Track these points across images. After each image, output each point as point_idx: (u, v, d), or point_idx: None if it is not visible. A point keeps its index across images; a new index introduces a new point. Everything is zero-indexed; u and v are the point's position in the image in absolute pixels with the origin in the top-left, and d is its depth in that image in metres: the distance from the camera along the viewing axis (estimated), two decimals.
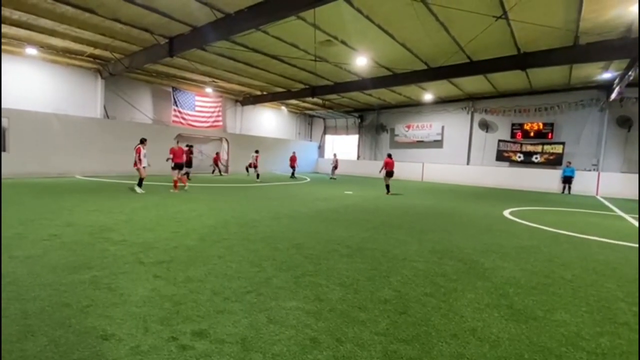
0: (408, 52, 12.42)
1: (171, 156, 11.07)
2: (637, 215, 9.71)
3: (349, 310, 2.93)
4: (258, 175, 16.61)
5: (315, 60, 13.34)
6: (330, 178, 21.01)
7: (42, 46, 13.22)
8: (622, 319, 3.03)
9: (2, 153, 12.76)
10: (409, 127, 23.65)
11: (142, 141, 10.29)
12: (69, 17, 10.40)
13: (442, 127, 22.23)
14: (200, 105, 20.71)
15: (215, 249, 4.58)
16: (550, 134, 18.08)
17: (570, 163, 17.03)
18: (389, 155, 13.63)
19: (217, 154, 20.26)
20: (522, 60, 12.00)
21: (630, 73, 10.86)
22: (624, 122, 16.13)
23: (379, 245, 5.23)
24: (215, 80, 18.22)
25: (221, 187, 13.31)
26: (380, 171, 13.78)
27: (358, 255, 4.61)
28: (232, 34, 10.37)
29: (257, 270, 3.82)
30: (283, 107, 26.22)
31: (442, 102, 21.63)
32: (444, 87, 18.07)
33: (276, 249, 4.72)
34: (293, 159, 20.24)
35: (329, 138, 29.64)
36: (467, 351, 2.38)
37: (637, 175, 14.66)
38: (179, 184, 11.10)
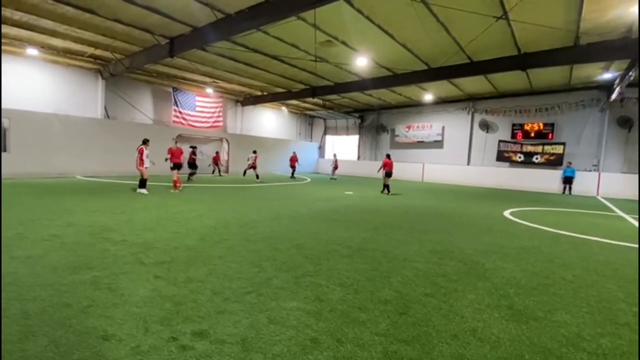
0: (408, 53, 12.42)
1: (169, 156, 11.07)
2: (638, 216, 9.70)
3: (349, 311, 2.93)
4: (258, 176, 16.61)
5: (315, 61, 13.35)
6: (331, 178, 21.02)
7: (43, 47, 13.25)
8: (623, 319, 3.03)
9: (4, 153, 12.78)
10: (409, 127, 23.64)
11: (145, 142, 10.29)
12: (69, 18, 10.41)
13: (443, 128, 22.23)
14: (200, 106, 20.73)
15: (216, 250, 4.58)
16: (550, 135, 18.07)
17: (570, 163, 17.01)
18: (388, 156, 13.66)
19: (217, 153, 20.26)
20: (523, 61, 12.00)
21: (630, 73, 10.86)
22: (624, 123, 16.11)
23: (379, 245, 5.23)
24: (216, 80, 18.23)
25: (221, 187, 13.32)
26: (378, 171, 13.85)
27: (358, 256, 4.61)
28: (233, 34, 10.39)
29: (257, 271, 3.82)
30: (283, 108, 26.24)
31: (443, 102, 21.63)
32: (444, 88, 18.07)
33: (276, 250, 4.72)
34: (293, 159, 20.25)
35: (329, 138, 29.65)
36: (468, 352, 2.38)
37: (637, 176, 14.64)
38: (177, 184, 11.13)
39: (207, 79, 18.03)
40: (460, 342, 2.51)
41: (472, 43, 11.03)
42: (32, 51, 13.42)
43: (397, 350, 2.36)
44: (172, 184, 11.06)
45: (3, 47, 13.12)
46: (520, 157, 19.00)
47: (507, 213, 9.32)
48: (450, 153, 21.90)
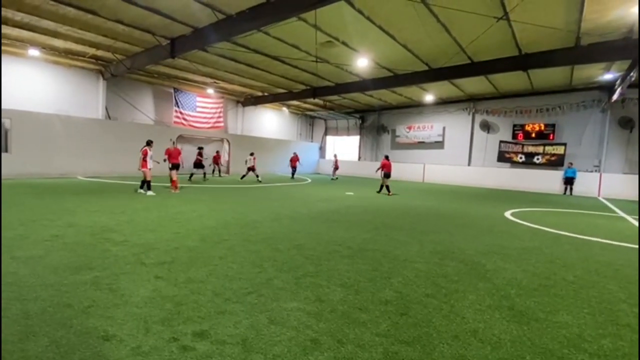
0: (409, 53, 12.42)
1: (166, 157, 11.08)
2: (638, 217, 9.68)
3: (350, 311, 2.93)
4: (258, 176, 16.64)
5: (316, 61, 13.35)
6: (332, 179, 21.03)
7: (45, 47, 13.28)
8: (625, 320, 3.02)
9: (5, 154, 12.82)
10: (410, 128, 23.63)
11: (148, 143, 10.28)
12: (71, 19, 10.44)
13: (443, 128, 22.21)
14: (201, 106, 20.75)
15: (216, 250, 4.58)
16: (551, 135, 18.05)
17: (571, 164, 16.99)
18: (386, 157, 13.70)
19: (217, 152, 20.27)
20: (524, 61, 11.99)
21: (632, 74, 10.84)
22: (625, 123, 16.09)
23: (380, 246, 5.22)
24: (217, 81, 18.25)
25: (222, 187, 13.32)
26: (376, 171, 13.89)
27: (359, 256, 4.61)
28: (234, 35, 10.39)
29: (258, 271, 3.82)
30: (284, 108, 26.26)
31: (443, 103, 21.62)
32: (445, 88, 18.06)
33: (277, 250, 4.72)
34: (294, 160, 20.25)
35: (330, 139, 29.65)
36: (469, 353, 2.38)
37: (637, 177, 14.61)
38: (175, 185, 11.17)
39: (208, 80, 18.06)
40: (461, 343, 2.51)
41: (472, 43, 11.03)
42: (33, 52, 13.45)
43: (397, 351, 2.36)
44: (172, 185, 11.09)
45: (5, 48, 13.16)
46: (521, 158, 18.97)
47: (508, 214, 9.31)
48: (451, 154, 21.88)
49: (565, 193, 16.90)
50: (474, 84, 17.19)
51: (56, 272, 3.51)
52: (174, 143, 12.16)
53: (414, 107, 23.13)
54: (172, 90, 19.43)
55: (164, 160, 11.08)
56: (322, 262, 4.27)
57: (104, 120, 16.42)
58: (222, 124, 22.07)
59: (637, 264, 4.81)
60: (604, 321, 2.98)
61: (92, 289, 3.14)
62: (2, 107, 12.83)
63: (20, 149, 13.23)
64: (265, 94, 21.36)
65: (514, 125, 19.25)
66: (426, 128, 22.84)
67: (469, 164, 21.20)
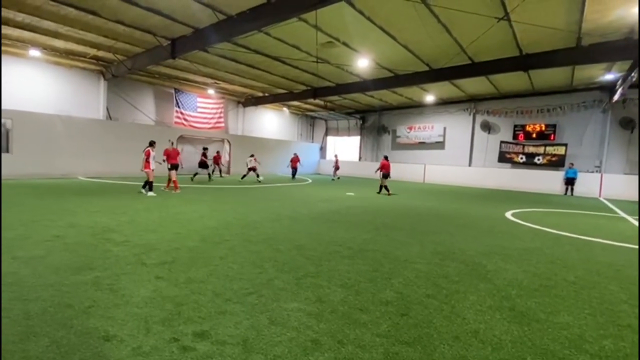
0: (410, 54, 12.42)
1: (164, 158, 11.10)
2: (638, 217, 9.67)
3: (350, 312, 2.92)
4: (258, 175, 16.70)
5: (317, 62, 13.36)
6: (332, 179, 21.03)
7: (46, 48, 13.32)
8: (626, 321, 3.01)
9: (7, 154, 12.85)
10: (410, 128, 23.63)
11: (152, 144, 10.27)
12: (72, 19, 10.47)
13: (444, 129, 22.20)
14: (202, 107, 20.78)
15: (217, 250, 4.58)
16: (552, 136, 18.03)
17: (572, 164, 16.96)
18: (385, 157, 13.73)
19: (218, 152, 20.29)
20: (524, 62, 11.98)
21: (633, 74, 10.82)
22: (627, 124, 16.06)
23: (380, 246, 5.22)
24: (217, 81, 18.27)
25: (223, 188, 13.33)
26: (375, 172, 13.87)
27: (359, 257, 4.61)
28: (234, 35, 10.41)
29: (258, 272, 3.82)
30: (285, 109, 26.27)
31: (444, 103, 21.62)
32: (445, 89, 18.06)
33: (278, 250, 4.72)
34: (294, 161, 20.25)
35: (330, 139, 29.65)
36: (469, 353, 2.37)
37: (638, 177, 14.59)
38: (170, 185, 11.23)
39: (209, 80, 18.08)
40: (461, 343, 2.50)
41: (473, 44, 11.03)
42: (34, 52, 13.48)
43: (398, 351, 2.35)
44: (172, 185, 11.11)
45: (6, 49, 13.20)
46: (522, 158, 18.96)
47: (508, 214, 9.30)
48: (451, 154, 21.87)
49: (566, 193, 16.87)
50: (475, 85, 17.19)
51: (57, 273, 3.52)
52: (172, 144, 12.19)
53: (415, 107, 23.12)
54: (172, 91, 19.46)
55: (163, 161, 11.10)
56: (323, 263, 4.27)
57: (104, 121, 16.44)
58: (222, 125, 22.09)
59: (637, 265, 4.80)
60: (605, 322, 2.97)
61: (92, 289, 3.14)
62: (4, 107, 12.86)
63: (21, 149, 13.26)
64: (266, 94, 21.38)
65: (515, 126, 19.24)
66: (427, 128, 22.83)
67: (469, 165, 21.18)
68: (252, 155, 16.80)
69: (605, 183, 16.24)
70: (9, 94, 13.76)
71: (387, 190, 13.17)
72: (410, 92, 19.31)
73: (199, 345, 2.32)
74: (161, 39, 11.88)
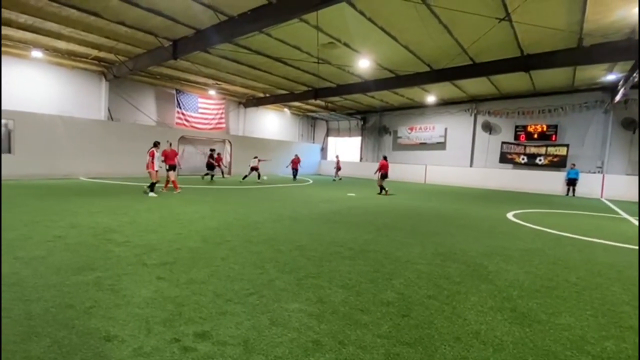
0: (411, 54, 12.42)
1: (163, 159, 11.12)
2: (638, 218, 9.64)
3: (351, 313, 2.92)
4: (259, 176, 16.77)
5: (318, 63, 13.37)
6: (333, 180, 21.03)
7: (48, 49, 13.36)
8: (628, 322, 3.00)
9: (9, 155, 12.89)
10: (411, 129, 23.61)
11: (156, 144, 10.28)
12: (74, 20, 10.50)
13: (445, 129, 22.19)
14: (203, 107, 20.81)
15: (218, 251, 4.59)
16: (554, 136, 17.99)
17: (574, 165, 16.93)
18: (385, 158, 13.74)
19: (219, 154, 20.31)
20: (525, 62, 11.97)
21: (634, 75, 10.78)
22: (629, 124, 16.01)
23: (381, 247, 5.22)
24: (219, 82, 18.31)
25: (224, 188, 13.34)
26: (375, 172, 13.87)
27: (360, 258, 4.60)
28: (236, 36, 10.42)
29: (259, 272, 3.82)
30: (286, 109, 26.30)
31: (445, 104, 21.60)
32: (446, 89, 18.05)
33: (279, 251, 4.72)
34: (295, 162, 20.25)
35: (331, 140, 29.66)
36: (471, 354, 2.37)
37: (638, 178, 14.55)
38: (168, 186, 11.26)
39: (210, 81, 18.11)
40: (463, 344, 2.50)
41: (474, 44, 11.02)
42: (36, 53, 13.53)
43: (399, 352, 2.35)
44: (172, 186, 11.15)
45: (9, 50, 13.25)
46: (523, 159, 18.92)
47: (510, 215, 9.28)
48: (452, 155, 21.85)
49: (567, 194, 16.84)
50: (476, 85, 17.17)
51: (58, 273, 3.52)
52: (170, 144, 12.23)
53: (416, 108, 23.12)
54: (174, 92, 19.50)
55: (162, 161, 11.13)
56: (324, 263, 4.26)
57: (106, 122, 16.49)
58: (223, 125, 22.11)
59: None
60: (606, 323, 2.96)
61: (94, 290, 3.15)
62: (6, 108, 12.91)
63: (23, 150, 13.31)
64: (267, 95, 21.40)
65: (516, 126, 19.21)
66: (428, 129, 22.82)
67: (470, 165, 21.15)
68: (255, 157, 16.94)
69: (607, 184, 16.20)
70: (11, 95, 13.81)
71: (385, 191, 13.21)
72: (411, 93, 19.30)
73: (200, 345, 2.32)
74: (163, 40, 11.91)
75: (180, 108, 19.66)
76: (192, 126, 20.25)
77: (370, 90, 17.39)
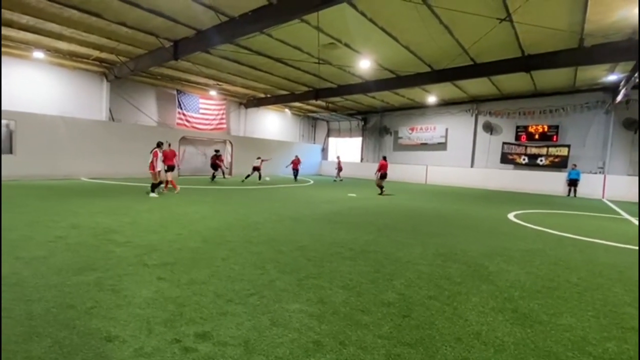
0: (412, 55, 12.42)
1: (162, 158, 11.13)
2: (638, 218, 9.61)
3: (352, 313, 2.92)
4: (260, 176, 16.83)
5: (318, 63, 13.38)
6: (334, 180, 21.03)
7: (49, 50, 13.40)
8: (629, 323, 2.99)
9: (10, 155, 12.91)
10: (412, 129, 23.61)
11: (159, 144, 10.28)
12: (75, 21, 10.53)
13: (446, 130, 22.17)
14: (204, 108, 20.83)
15: (219, 251, 4.59)
16: (555, 137, 17.97)
17: (575, 166, 16.90)
18: (384, 158, 13.78)
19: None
20: (527, 63, 11.96)
21: (636, 75, 10.77)
22: (630, 125, 15.99)
23: (382, 247, 5.21)
24: (220, 83, 18.33)
25: (225, 189, 13.35)
26: (375, 173, 13.89)
27: (361, 258, 4.60)
28: (236, 37, 10.44)
29: (260, 273, 3.82)
30: (287, 110, 26.31)
31: (446, 104, 21.59)
32: (447, 90, 18.04)
33: (279, 252, 4.72)
34: (296, 162, 20.25)
35: (332, 140, 29.67)
36: (472, 355, 2.36)
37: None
38: (167, 186, 11.27)
39: (211, 82, 18.14)
40: (464, 345, 2.49)
41: (475, 45, 11.01)
42: (38, 54, 13.57)
43: (400, 353, 2.35)
44: (172, 187, 11.19)
45: (10, 50, 13.29)
46: (524, 160, 18.90)
47: (511, 215, 9.27)
48: (453, 155, 21.83)
49: (569, 195, 16.81)
50: (477, 86, 17.16)
51: (59, 273, 3.53)
52: (169, 145, 12.25)
53: (417, 108, 23.11)
54: (175, 92, 19.53)
55: (162, 162, 11.14)
56: (325, 264, 4.26)
57: (107, 122, 16.51)
58: (224, 126, 22.13)
59: None
60: (608, 324, 2.96)
61: (95, 290, 3.15)
62: (8, 109, 12.94)
63: (24, 150, 13.33)
64: (268, 95, 21.42)
65: (517, 127, 19.19)
66: (429, 129, 22.81)
67: (471, 166, 21.14)
68: (258, 158, 17.00)
69: (608, 184, 16.17)
70: (12, 96, 13.84)
71: (382, 190, 13.30)
72: (412, 93, 19.30)
73: (201, 346, 2.32)
74: (163, 41, 11.93)
75: (181, 109, 19.69)
76: (193, 127, 20.27)
77: (371, 91, 17.40)
